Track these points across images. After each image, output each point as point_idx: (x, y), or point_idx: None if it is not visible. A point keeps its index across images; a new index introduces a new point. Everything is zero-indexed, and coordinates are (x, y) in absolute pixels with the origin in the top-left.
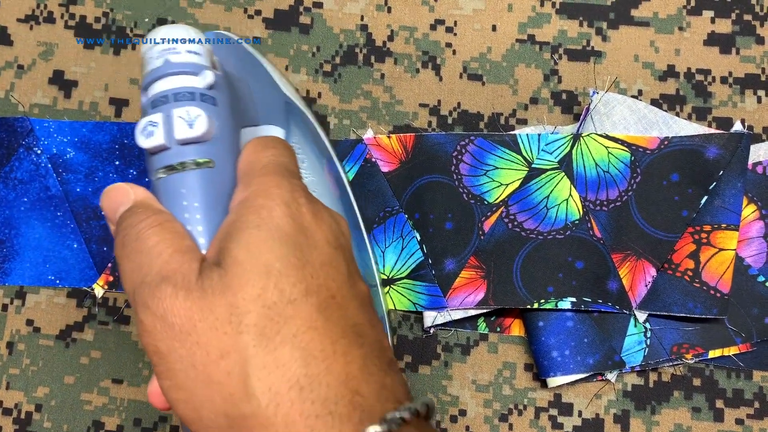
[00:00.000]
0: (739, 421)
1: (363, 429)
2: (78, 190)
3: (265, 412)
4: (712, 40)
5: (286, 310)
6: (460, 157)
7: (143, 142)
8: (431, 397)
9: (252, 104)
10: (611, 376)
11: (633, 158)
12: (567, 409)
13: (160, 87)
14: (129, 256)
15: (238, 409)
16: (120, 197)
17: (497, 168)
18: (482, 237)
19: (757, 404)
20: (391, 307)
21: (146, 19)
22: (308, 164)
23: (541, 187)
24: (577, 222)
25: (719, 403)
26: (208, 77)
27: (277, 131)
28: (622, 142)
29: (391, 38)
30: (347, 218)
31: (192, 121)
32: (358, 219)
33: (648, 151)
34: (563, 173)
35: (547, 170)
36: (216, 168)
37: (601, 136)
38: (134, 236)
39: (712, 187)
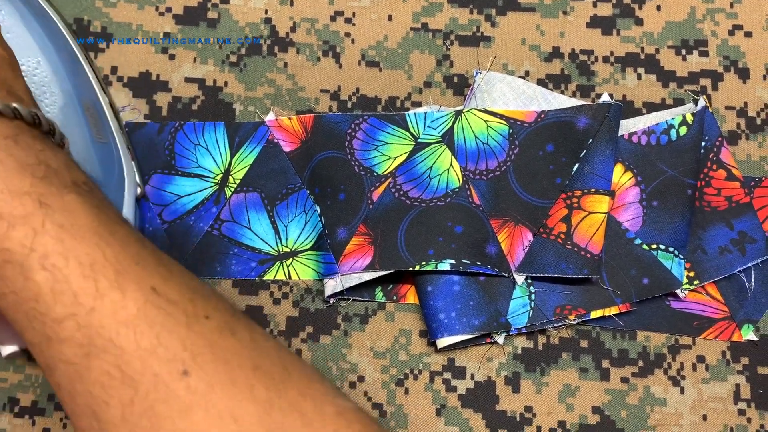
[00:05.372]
0: (625, 380)
1: None
2: None
3: None
4: (595, 22)
5: None
6: (353, 134)
7: None
8: (332, 366)
9: None
10: (499, 338)
11: (511, 131)
12: (460, 373)
13: None
14: None
15: None
16: None
17: (387, 143)
18: (371, 206)
19: (641, 363)
20: (295, 278)
21: None
22: (6, 12)
23: (425, 159)
24: (456, 190)
25: (605, 363)
26: None
27: None
28: (501, 116)
29: (293, 29)
30: (52, 42)
31: None
32: (70, 44)
33: (526, 124)
34: (445, 146)
35: (430, 144)
36: None
37: (480, 111)
38: None
39: (582, 154)
